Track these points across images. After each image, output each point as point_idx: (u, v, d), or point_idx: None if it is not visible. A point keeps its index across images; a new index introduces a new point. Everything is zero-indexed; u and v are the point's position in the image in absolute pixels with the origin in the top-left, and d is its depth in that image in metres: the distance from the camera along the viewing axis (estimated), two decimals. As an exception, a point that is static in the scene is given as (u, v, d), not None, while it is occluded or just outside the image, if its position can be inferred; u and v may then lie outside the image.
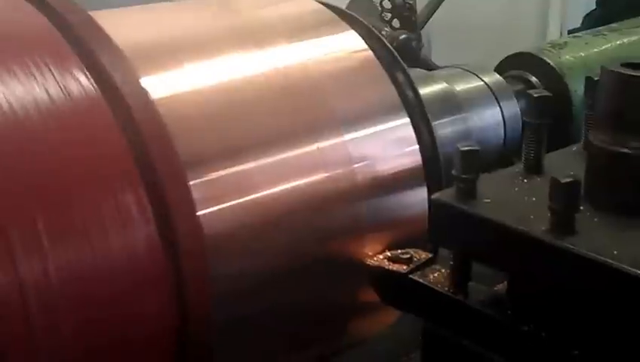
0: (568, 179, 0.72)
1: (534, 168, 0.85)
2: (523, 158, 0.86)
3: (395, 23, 1.45)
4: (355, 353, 1.05)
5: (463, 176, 0.80)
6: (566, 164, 0.85)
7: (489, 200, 0.80)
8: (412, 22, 1.45)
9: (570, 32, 1.54)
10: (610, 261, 0.69)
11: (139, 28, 0.84)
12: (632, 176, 0.75)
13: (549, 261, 0.74)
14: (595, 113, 0.78)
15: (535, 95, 0.83)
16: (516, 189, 0.83)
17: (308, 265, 0.86)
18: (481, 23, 2.85)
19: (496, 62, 1.29)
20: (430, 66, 1.34)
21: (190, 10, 0.94)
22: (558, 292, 0.75)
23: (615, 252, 0.70)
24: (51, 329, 0.65)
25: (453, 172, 0.80)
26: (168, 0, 0.97)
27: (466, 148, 0.79)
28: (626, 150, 0.75)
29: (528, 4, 2.98)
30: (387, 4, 1.45)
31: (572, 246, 0.72)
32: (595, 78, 0.82)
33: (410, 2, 1.65)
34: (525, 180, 0.84)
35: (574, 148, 0.90)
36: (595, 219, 0.76)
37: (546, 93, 0.83)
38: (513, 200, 0.80)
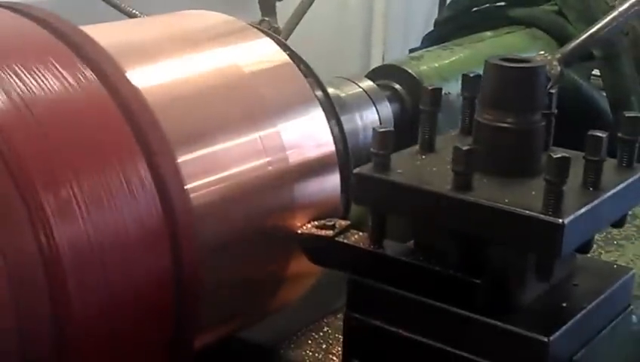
0: (468, 147, 0.95)
1: (428, 147, 1.08)
2: (419, 140, 1.08)
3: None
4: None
5: (381, 152, 1.01)
6: (449, 143, 1.08)
7: (401, 171, 1.02)
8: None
9: (410, 50, 1.81)
10: (504, 206, 0.93)
11: (110, 37, 0.99)
12: (510, 144, 1.00)
13: (454, 212, 0.96)
14: (481, 98, 1.02)
15: (430, 88, 1.06)
16: (418, 163, 1.05)
17: (255, 236, 1.04)
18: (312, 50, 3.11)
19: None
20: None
21: (148, 24, 1.11)
22: (458, 238, 0.98)
23: (506, 200, 0.94)
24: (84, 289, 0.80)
25: (372, 149, 1.02)
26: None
27: (383, 130, 1.01)
28: (505, 124, 0.99)
29: (353, 34, 3.29)
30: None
31: (473, 198, 0.95)
32: (472, 75, 1.07)
33: (276, 26, 1.89)
34: (423, 156, 1.07)
35: (452, 133, 1.14)
36: (484, 180, 0.99)
37: (439, 87, 1.06)
38: (419, 170, 1.02)
